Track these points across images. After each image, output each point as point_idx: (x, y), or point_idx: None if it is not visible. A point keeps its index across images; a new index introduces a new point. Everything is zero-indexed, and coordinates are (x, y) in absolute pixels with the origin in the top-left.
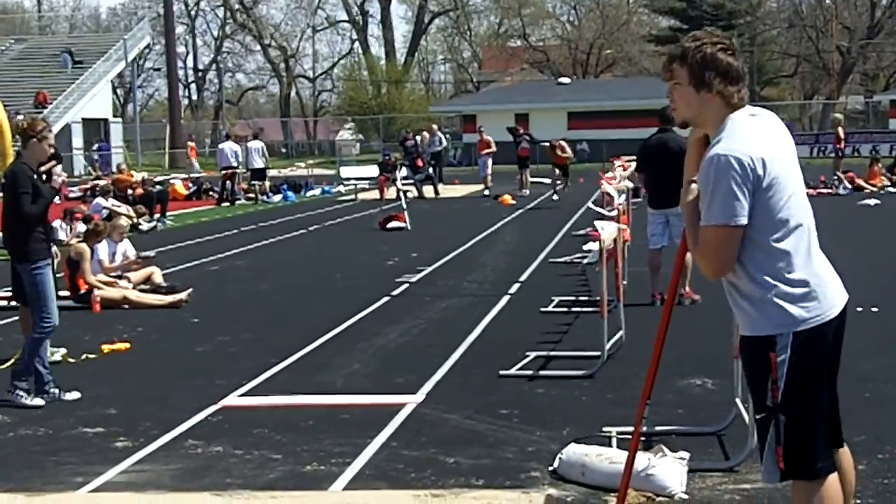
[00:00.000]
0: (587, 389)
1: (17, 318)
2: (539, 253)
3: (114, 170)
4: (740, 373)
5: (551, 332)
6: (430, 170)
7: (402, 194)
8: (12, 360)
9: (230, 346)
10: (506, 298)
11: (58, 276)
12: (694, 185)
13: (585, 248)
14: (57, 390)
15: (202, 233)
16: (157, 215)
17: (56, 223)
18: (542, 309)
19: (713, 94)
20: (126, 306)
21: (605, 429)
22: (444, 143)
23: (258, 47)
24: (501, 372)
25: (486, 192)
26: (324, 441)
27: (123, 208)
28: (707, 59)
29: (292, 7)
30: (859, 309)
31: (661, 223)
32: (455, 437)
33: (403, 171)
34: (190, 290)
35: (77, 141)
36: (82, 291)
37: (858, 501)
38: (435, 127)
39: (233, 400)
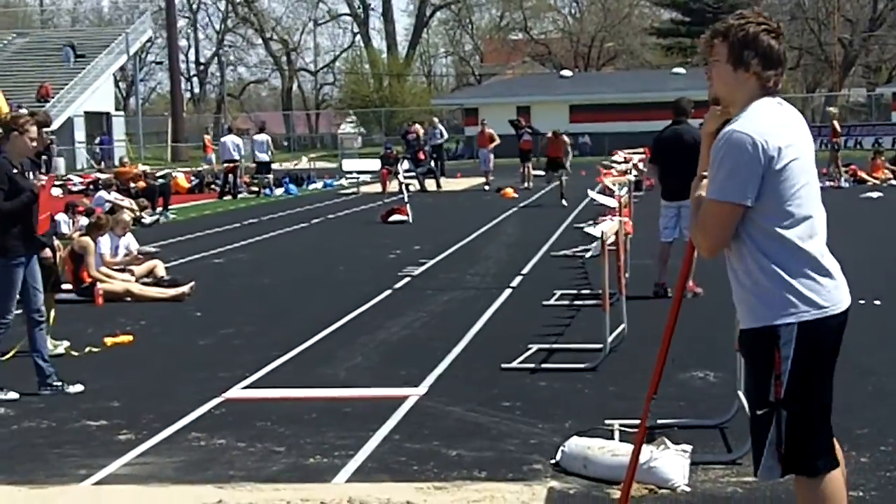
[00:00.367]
0: (589, 382)
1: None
2: (541, 246)
3: (116, 163)
4: (742, 366)
5: (553, 325)
6: (432, 163)
7: (404, 187)
8: (12, 353)
9: (233, 338)
10: (508, 291)
11: (60, 269)
12: (705, 180)
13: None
14: (60, 383)
15: (204, 226)
16: (159, 208)
17: (59, 217)
18: (545, 302)
19: (750, 74)
20: (129, 299)
21: (607, 421)
22: (445, 135)
23: (260, 41)
24: (503, 365)
25: (487, 187)
26: (326, 434)
27: (126, 201)
28: (749, 37)
29: (293, 0)
30: (861, 302)
31: (674, 216)
32: (457, 430)
33: (405, 164)
34: (192, 283)
35: (79, 134)
36: (85, 285)
37: (861, 493)
38: (436, 119)
39: (236, 393)
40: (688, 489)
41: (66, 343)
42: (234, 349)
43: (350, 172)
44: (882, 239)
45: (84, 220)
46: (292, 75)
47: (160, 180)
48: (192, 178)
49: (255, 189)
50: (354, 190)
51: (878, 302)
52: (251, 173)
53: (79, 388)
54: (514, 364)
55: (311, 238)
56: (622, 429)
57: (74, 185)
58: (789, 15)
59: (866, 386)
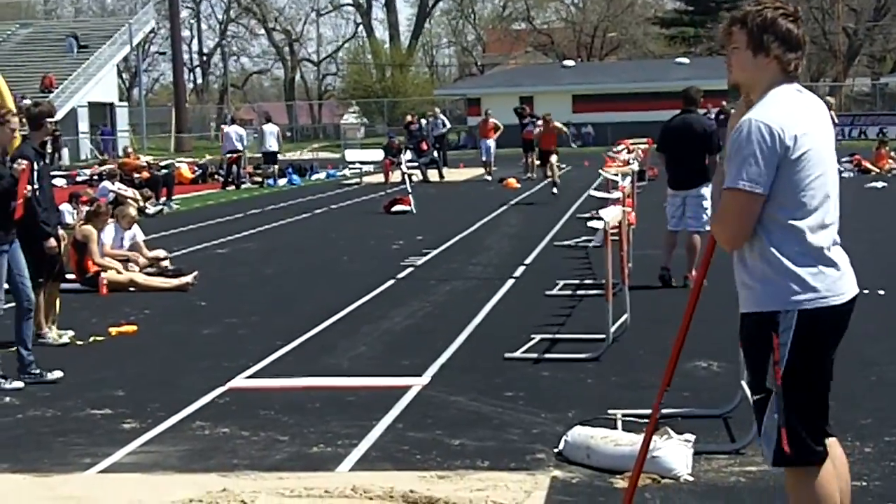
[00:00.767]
0: (592, 372)
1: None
2: (544, 236)
3: (120, 153)
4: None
5: (556, 315)
6: (435, 153)
7: (406, 177)
8: None
9: (237, 328)
10: (511, 282)
11: (63, 258)
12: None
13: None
14: (39, 371)
15: (208, 216)
16: (163, 199)
17: (63, 207)
18: (547, 292)
19: (770, 58)
20: (133, 289)
21: (610, 411)
22: (448, 125)
23: (262, 31)
24: (506, 355)
25: (489, 177)
26: (330, 423)
27: (130, 192)
28: (767, 22)
29: None
30: (865, 292)
31: (679, 205)
32: (460, 419)
33: (408, 155)
34: (196, 273)
35: (83, 125)
36: (89, 274)
37: (864, 483)
38: (437, 110)
39: (240, 382)
40: (691, 479)
41: (70, 332)
42: (237, 339)
43: (353, 163)
44: (886, 229)
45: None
46: (295, 66)
47: (164, 170)
48: (196, 168)
49: (259, 179)
50: (357, 180)
51: (881, 292)
52: (255, 164)
53: (58, 374)
54: (517, 354)
55: (314, 228)
56: (625, 418)
57: (79, 174)
58: (793, 4)
59: (869, 376)
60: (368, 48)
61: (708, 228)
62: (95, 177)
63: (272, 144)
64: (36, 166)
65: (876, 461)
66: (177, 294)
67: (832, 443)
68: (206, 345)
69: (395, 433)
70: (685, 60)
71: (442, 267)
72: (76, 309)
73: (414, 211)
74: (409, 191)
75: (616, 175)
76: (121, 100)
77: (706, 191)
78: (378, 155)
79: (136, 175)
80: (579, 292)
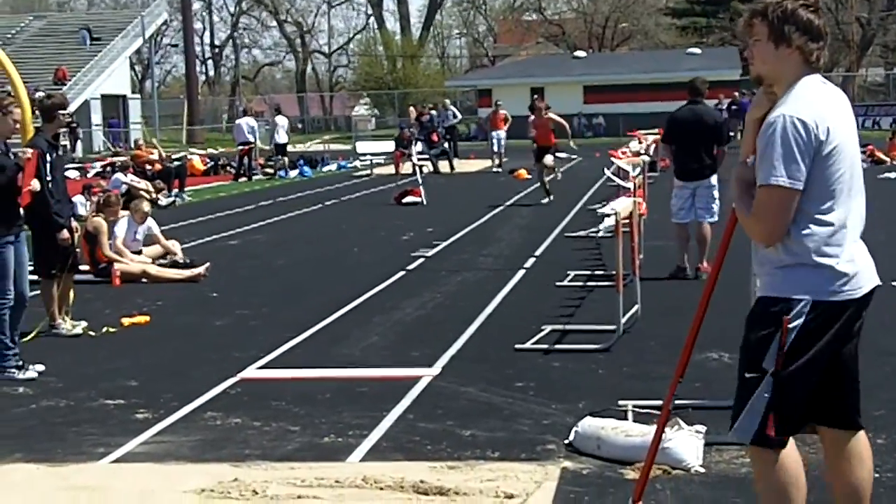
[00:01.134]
0: (603, 363)
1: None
2: (555, 227)
3: (132, 146)
4: None
5: (567, 306)
6: (446, 144)
7: (417, 169)
8: (34, 334)
9: (249, 319)
10: (521, 272)
11: (77, 250)
12: (749, 160)
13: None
14: (22, 362)
15: (220, 208)
16: (175, 190)
17: (76, 199)
18: (558, 283)
19: (792, 49)
20: (145, 280)
21: (620, 402)
22: (458, 117)
23: (274, 23)
24: (517, 346)
25: (497, 169)
26: (341, 413)
27: (142, 184)
28: (788, 13)
29: None
30: (879, 284)
31: (689, 196)
32: (471, 410)
33: (419, 146)
34: (208, 264)
35: (96, 117)
36: (102, 265)
37: (877, 475)
38: (447, 101)
39: (251, 372)
40: (702, 470)
41: (83, 323)
42: (249, 330)
43: (364, 154)
44: None
45: None
46: (306, 57)
47: (176, 162)
48: (208, 160)
49: (270, 171)
50: (368, 172)
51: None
52: (266, 155)
53: (39, 367)
54: (528, 345)
55: (325, 220)
56: (636, 409)
57: (92, 166)
58: None
59: (884, 367)
60: (379, 39)
61: (716, 219)
62: (108, 168)
63: (282, 136)
64: (49, 158)
65: (889, 453)
66: (189, 285)
67: (858, 435)
68: (218, 336)
69: (406, 424)
70: (697, 51)
71: (452, 258)
72: (89, 300)
73: (424, 202)
74: (420, 182)
75: (628, 165)
76: (133, 92)
77: (715, 180)
78: (389, 146)
79: (148, 167)
80: (590, 283)
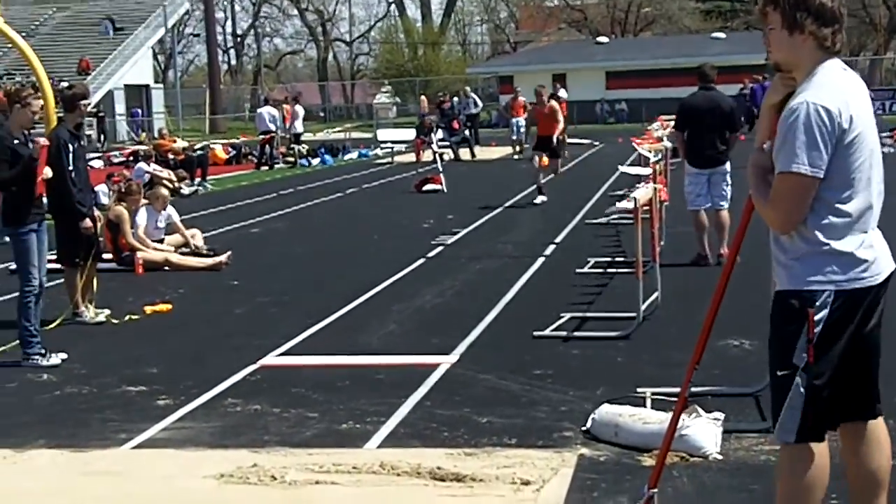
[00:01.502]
0: (622, 350)
1: (60, 280)
2: (575, 214)
3: (155, 135)
4: None
5: (586, 294)
6: (466, 132)
7: (437, 156)
8: (58, 322)
9: (269, 307)
10: (541, 260)
11: (100, 239)
12: (766, 146)
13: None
14: (38, 357)
15: (242, 196)
16: (197, 179)
17: (99, 188)
18: (578, 270)
19: (805, 35)
20: (168, 269)
21: (639, 389)
22: (479, 105)
23: (295, 12)
24: (536, 333)
25: (518, 157)
26: (359, 400)
27: (165, 173)
28: (798, 0)
29: None
30: None
31: (704, 183)
32: (488, 397)
33: (439, 134)
34: (229, 252)
35: (120, 107)
36: (125, 254)
37: (895, 462)
38: (468, 89)
39: (271, 360)
40: (720, 457)
41: (107, 311)
42: (270, 317)
43: (384, 142)
44: None
45: None
46: (328, 46)
47: (198, 152)
48: (230, 149)
49: (291, 160)
50: (389, 160)
51: None
52: (287, 144)
53: (63, 355)
54: (547, 332)
55: (345, 207)
56: (654, 397)
57: (115, 156)
58: None
59: None
60: (400, 27)
61: (726, 205)
62: (131, 158)
63: (298, 126)
64: (71, 147)
65: None
66: (211, 273)
67: (877, 422)
68: (239, 323)
69: (424, 410)
70: (721, 35)
71: (472, 245)
72: (112, 288)
73: (445, 190)
74: (440, 170)
75: (650, 151)
76: (156, 82)
77: (729, 167)
78: (410, 134)
79: (171, 156)
80: (610, 270)
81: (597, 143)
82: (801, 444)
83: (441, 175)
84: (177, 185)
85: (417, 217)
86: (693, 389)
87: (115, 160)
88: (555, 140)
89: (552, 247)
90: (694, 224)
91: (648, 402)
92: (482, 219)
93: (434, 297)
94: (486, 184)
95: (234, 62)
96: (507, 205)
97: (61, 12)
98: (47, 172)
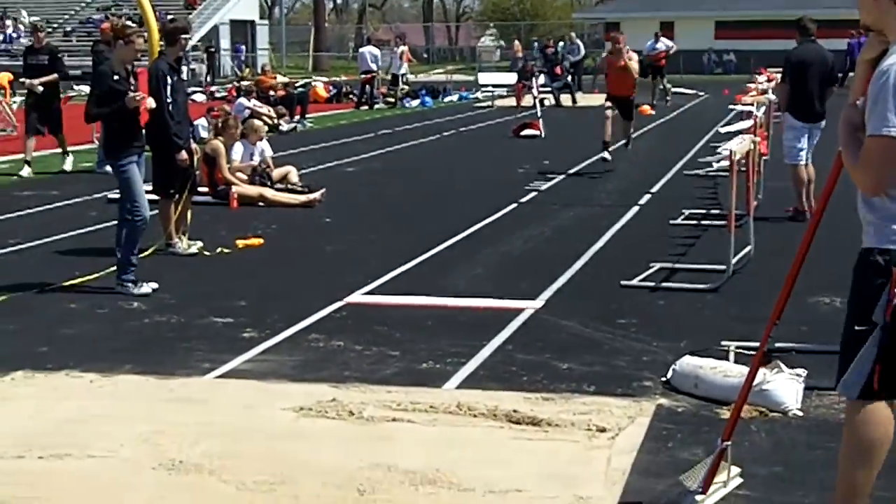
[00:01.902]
0: (709, 303)
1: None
2: (674, 164)
3: (259, 71)
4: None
5: (678, 245)
6: (569, 78)
7: (538, 102)
8: (150, 251)
9: (359, 245)
10: (635, 209)
11: (196, 172)
12: (859, 103)
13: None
14: (130, 285)
15: (340, 135)
16: (297, 117)
17: (199, 122)
18: (672, 221)
19: (891, 1)
20: (262, 204)
21: (723, 343)
22: (583, 51)
23: None
24: (623, 282)
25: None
26: (441, 341)
27: (265, 109)
28: None
29: None
30: None
31: (806, 137)
32: (570, 344)
33: (542, 79)
34: (323, 190)
35: (225, 42)
36: (221, 188)
37: None
38: (573, 35)
39: (357, 297)
40: (800, 413)
41: (199, 243)
42: (359, 256)
43: (486, 86)
44: None
45: None
46: None
47: (299, 89)
48: (331, 87)
49: (392, 100)
50: (489, 103)
51: None
52: (388, 84)
53: (154, 284)
54: (634, 282)
55: (441, 150)
56: (738, 350)
57: (218, 91)
58: None
59: None
60: None
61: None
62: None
63: (404, 66)
64: (170, 80)
65: None
66: (304, 210)
67: None
68: (328, 260)
69: (504, 354)
70: None
71: (566, 192)
72: (206, 221)
73: (543, 135)
74: (539, 115)
75: (751, 105)
76: (262, 18)
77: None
78: (511, 78)
79: (271, 93)
80: (704, 222)
81: (702, 94)
82: (865, 400)
83: (540, 121)
84: (276, 121)
85: (513, 162)
86: (778, 345)
87: (218, 95)
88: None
89: (647, 196)
90: (792, 178)
91: (732, 356)
92: (578, 166)
93: (524, 243)
94: (586, 131)
95: (339, 0)
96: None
97: None
98: (150, 103)
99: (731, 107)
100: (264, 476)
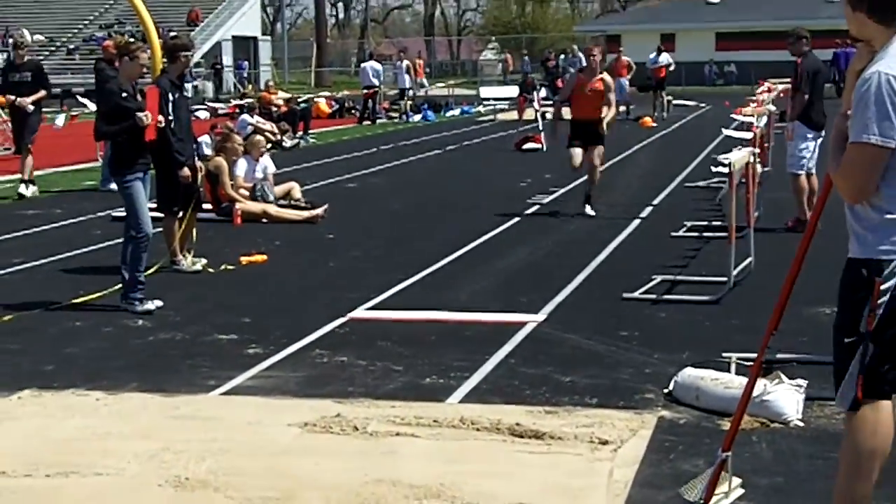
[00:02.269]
0: (711, 315)
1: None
2: (675, 177)
3: (261, 88)
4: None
5: (679, 257)
6: None
7: (539, 115)
8: (154, 269)
9: (361, 261)
10: (636, 222)
11: (200, 189)
12: (849, 112)
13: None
14: (137, 302)
15: (342, 151)
16: (299, 133)
17: (202, 139)
18: (673, 233)
19: (865, 15)
20: (265, 220)
21: (724, 354)
22: (585, 63)
23: None
24: (625, 294)
25: (625, 117)
26: (444, 355)
27: (268, 125)
28: None
29: None
30: None
31: (814, 147)
32: (573, 357)
33: (543, 92)
34: (326, 206)
35: (227, 59)
36: (224, 204)
37: None
38: (575, 47)
39: (360, 313)
40: (801, 424)
41: (203, 260)
42: (361, 271)
43: (487, 99)
44: None
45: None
46: (435, 1)
47: (302, 105)
48: (333, 103)
49: (394, 115)
50: (491, 117)
51: None
52: (390, 99)
53: (158, 302)
54: (636, 294)
55: (444, 164)
56: (739, 362)
57: (220, 108)
58: None
59: None
60: None
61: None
62: (237, 110)
63: (408, 81)
64: (171, 97)
65: None
66: (307, 226)
67: None
68: (331, 276)
69: (507, 368)
70: None
71: (568, 205)
72: (210, 238)
73: (545, 149)
74: (541, 129)
75: (751, 117)
76: (264, 34)
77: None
78: (513, 91)
79: (274, 108)
80: (706, 234)
81: (703, 105)
82: (860, 411)
83: (542, 134)
84: (278, 137)
85: (515, 175)
86: (779, 356)
87: (221, 112)
88: (604, 126)
89: (649, 209)
90: (794, 188)
91: (733, 368)
92: (580, 179)
93: (526, 256)
94: None
95: (341, 16)
96: (606, 165)
97: None
98: (160, 120)
99: (732, 116)
100: (270, 492)
